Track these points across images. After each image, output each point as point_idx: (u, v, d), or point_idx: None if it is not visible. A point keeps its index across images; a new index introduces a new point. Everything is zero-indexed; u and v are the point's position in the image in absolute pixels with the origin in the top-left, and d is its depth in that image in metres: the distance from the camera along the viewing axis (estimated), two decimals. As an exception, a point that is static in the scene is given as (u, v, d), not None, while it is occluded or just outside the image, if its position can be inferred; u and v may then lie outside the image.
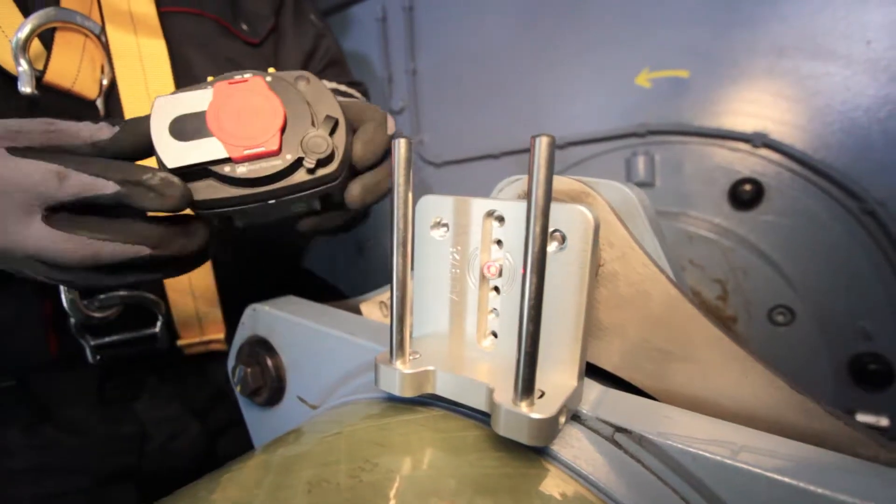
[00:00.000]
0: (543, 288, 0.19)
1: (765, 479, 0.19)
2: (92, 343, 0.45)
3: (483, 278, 0.25)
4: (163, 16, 0.46)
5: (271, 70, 0.33)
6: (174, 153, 0.28)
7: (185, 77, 0.47)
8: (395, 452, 0.22)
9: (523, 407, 0.20)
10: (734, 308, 0.63)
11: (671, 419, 0.23)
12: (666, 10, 0.67)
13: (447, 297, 0.27)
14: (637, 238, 0.27)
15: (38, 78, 0.40)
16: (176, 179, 0.28)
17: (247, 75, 0.31)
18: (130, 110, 0.44)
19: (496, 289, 0.26)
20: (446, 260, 0.26)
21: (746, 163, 0.64)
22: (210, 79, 0.31)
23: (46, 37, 0.40)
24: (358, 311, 0.42)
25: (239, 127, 0.28)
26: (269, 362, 0.39)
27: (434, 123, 0.93)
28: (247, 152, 0.28)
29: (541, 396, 0.21)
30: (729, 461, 0.20)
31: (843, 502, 0.17)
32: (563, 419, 0.21)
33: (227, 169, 0.28)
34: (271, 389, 0.39)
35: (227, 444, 0.59)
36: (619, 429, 0.23)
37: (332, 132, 0.30)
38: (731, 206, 0.65)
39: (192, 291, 0.49)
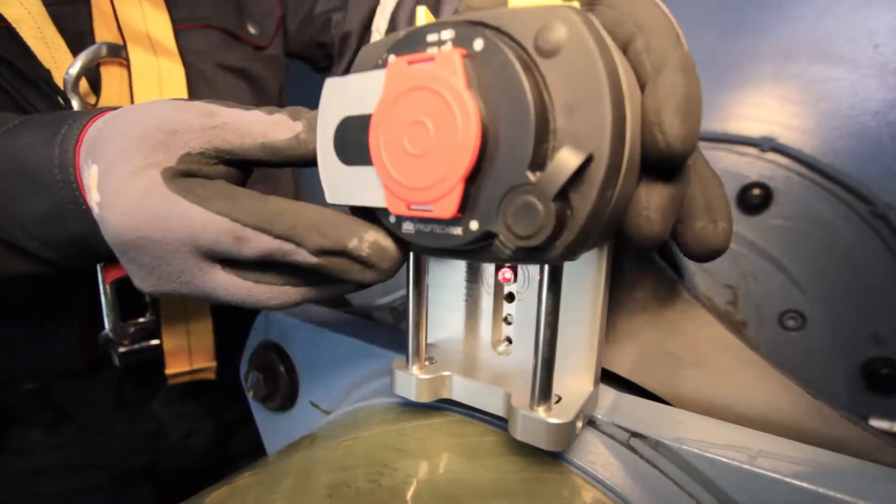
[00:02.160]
0: (560, 294, 0.19)
1: (784, 484, 0.19)
2: (120, 351, 0.46)
3: (497, 284, 0.26)
4: (175, 34, 0.46)
5: (479, 14, 0.17)
6: (335, 183, 0.21)
7: (198, 96, 0.47)
8: (413, 457, 0.22)
9: (541, 412, 0.20)
10: (744, 313, 0.63)
11: (687, 424, 0.23)
12: (671, 14, 0.67)
13: (462, 302, 0.27)
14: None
15: None
16: (389, 243, 0.21)
17: (445, 35, 0.17)
18: None
19: (510, 295, 0.26)
20: (461, 266, 0.27)
21: (754, 167, 0.64)
22: (402, 32, 0.19)
23: (92, 69, 0.40)
24: (370, 317, 0.42)
25: (404, 158, 0.17)
26: (282, 367, 0.39)
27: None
28: (413, 208, 0.18)
29: (558, 401, 0.21)
30: (747, 466, 0.20)
31: (863, 508, 0.17)
32: (580, 424, 0.21)
33: (391, 219, 0.19)
34: (284, 395, 0.39)
35: (239, 441, 0.60)
36: (634, 434, 0.23)
37: (574, 179, 0.15)
38: (740, 210, 0.65)
39: (187, 318, 0.50)
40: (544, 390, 0.20)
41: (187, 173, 0.22)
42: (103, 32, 0.42)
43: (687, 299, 0.26)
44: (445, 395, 0.24)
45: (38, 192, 0.26)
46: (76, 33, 0.40)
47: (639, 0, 0.19)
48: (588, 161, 0.15)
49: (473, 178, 0.16)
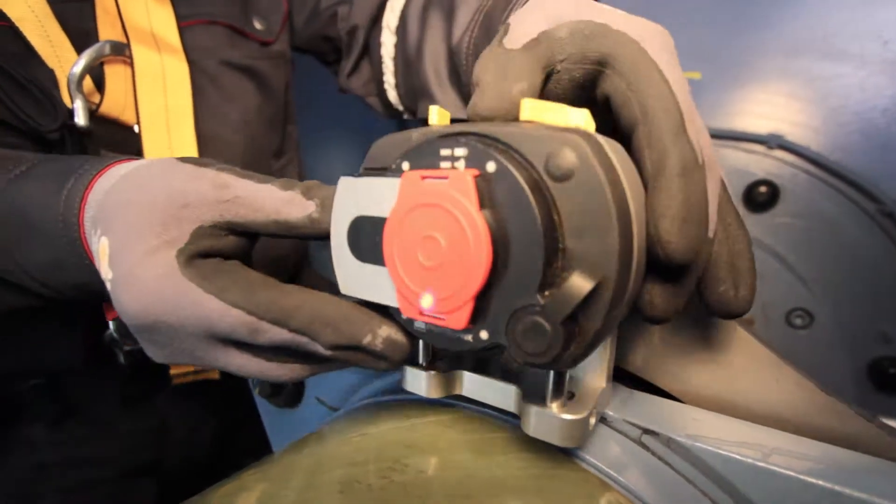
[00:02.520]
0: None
1: (798, 482, 0.19)
2: (125, 349, 0.46)
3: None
4: (180, 31, 0.46)
5: (492, 132, 0.17)
6: (348, 276, 0.21)
7: (202, 94, 0.47)
8: (424, 453, 0.22)
9: (554, 408, 0.20)
10: (751, 311, 0.62)
11: (699, 421, 0.23)
12: (676, 11, 0.67)
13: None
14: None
15: (92, 111, 0.40)
16: (402, 338, 0.21)
17: (458, 152, 0.17)
18: (148, 127, 0.44)
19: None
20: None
21: (761, 164, 0.63)
22: (415, 135, 0.19)
23: (96, 68, 0.40)
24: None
25: (417, 268, 0.18)
26: (288, 364, 0.39)
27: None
28: (424, 314, 0.18)
29: (571, 398, 0.21)
30: (761, 463, 0.20)
31: (880, 506, 0.17)
32: (593, 420, 0.21)
33: (403, 316, 0.20)
34: (290, 391, 0.39)
35: (243, 439, 0.60)
36: (646, 431, 0.22)
37: (582, 308, 0.16)
38: (746, 207, 0.64)
39: None
40: (557, 386, 0.20)
41: (201, 253, 0.22)
42: (107, 30, 0.41)
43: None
44: (457, 392, 0.24)
45: (42, 244, 0.26)
46: (81, 31, 0.40)
47: (646, 72, 0.18)
48: (597, 287, 0.15)
49: (484, 294, 0.17)
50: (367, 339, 0.21)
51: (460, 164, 0.17)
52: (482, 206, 0.16)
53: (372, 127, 0.87)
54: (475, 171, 0.16)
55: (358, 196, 0.20)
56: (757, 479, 0.20)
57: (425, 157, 0.18)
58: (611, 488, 0.22)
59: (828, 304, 0.60)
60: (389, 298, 0.20)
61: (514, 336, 0.16)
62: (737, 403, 0.25)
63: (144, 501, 0.53)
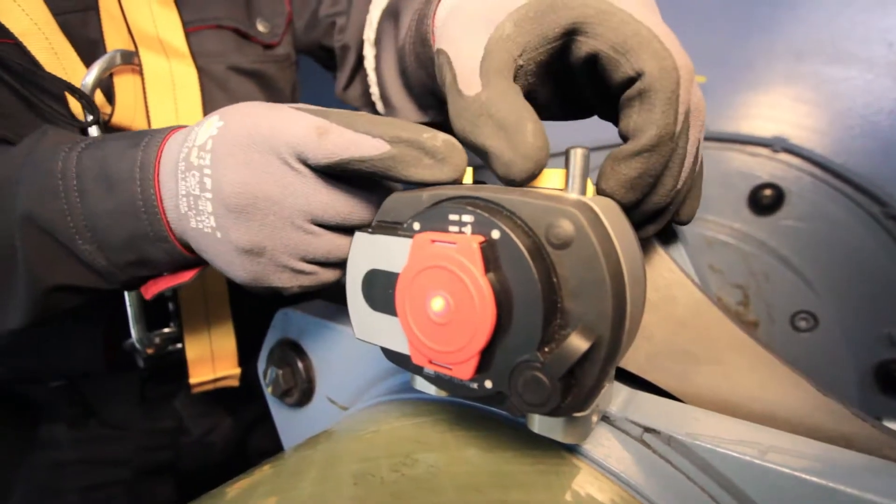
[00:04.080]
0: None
1: (794, 479, 0.19)
2: (145, 355, 0.47)
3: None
4: (186, 36, 0.46)
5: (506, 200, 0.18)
6: (362, 322, 0.23)
7: (211, 100, 0.47)
8: (433, 449, 0.23)
9: (557, 406, 0.20)
10: (756, 313, 0.63)
11: (699, 420, 0.23)
12: (682, 14, 0.68)
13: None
14: (662, 243, 0.28)
15: (105, 122, 0.40)
16: (459, 145, 0.21)
17: (466, 218, 0.18)
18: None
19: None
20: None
21: (766, 168, 0.64)
22: (425, 195, 0.21)
23: (105, 79, 0.40)
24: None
25: (426, 321, 0.19)
26: (300, 364, 0.40)
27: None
28: (433, 363, 0.20)
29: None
30: (758, 461, 0.20)
31: (873, 503, 0.18)
32: (595, 418, 0.22)
33: (413, 364, 0.21)
34: (301, 391, 0.40)
35: (257, 438, 0.61)
36: (647, 429, 0.23)
37: (579, 365, 0.17)
38: (751, 210, 0.65)
39: (209, 327, 0.50)
40: (561, 385, 0.21)
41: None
42: (114, 38, 0.41)
43: (699, 298, 0.27)
44: (463, 391, 0.25)
45: (113, 190, 0.28)
46: (87, 41, 0.40)
47: (632, 28, 0.19)
48: (593, 346, 0.17)
49: (489, 348, 0.18)
50: (426, 135, 0.21)
51: (467, 230, 0.18)
52: (487, 269, 0.17)
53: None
54: (481, 238, 0.18)
55: (372, 250, 0.22)
56: (754, 476, 0.20)
57: (435, 220, 0.19)
58: (614, 484, 0.22)
59: (832, 307, 0.60)
60: (401, 346, 0.21)
61: (515, 388, 0.18)
62: (735, 403, 0.25)
63: (161, 500, 0.54)
